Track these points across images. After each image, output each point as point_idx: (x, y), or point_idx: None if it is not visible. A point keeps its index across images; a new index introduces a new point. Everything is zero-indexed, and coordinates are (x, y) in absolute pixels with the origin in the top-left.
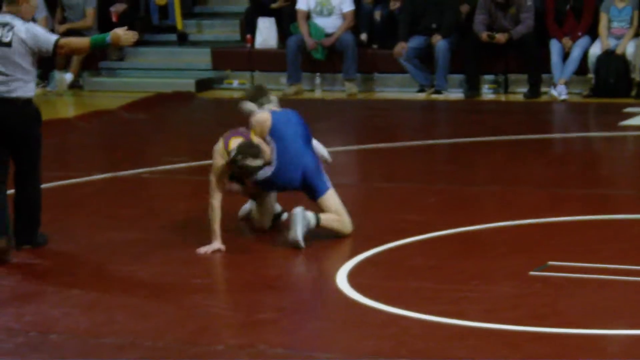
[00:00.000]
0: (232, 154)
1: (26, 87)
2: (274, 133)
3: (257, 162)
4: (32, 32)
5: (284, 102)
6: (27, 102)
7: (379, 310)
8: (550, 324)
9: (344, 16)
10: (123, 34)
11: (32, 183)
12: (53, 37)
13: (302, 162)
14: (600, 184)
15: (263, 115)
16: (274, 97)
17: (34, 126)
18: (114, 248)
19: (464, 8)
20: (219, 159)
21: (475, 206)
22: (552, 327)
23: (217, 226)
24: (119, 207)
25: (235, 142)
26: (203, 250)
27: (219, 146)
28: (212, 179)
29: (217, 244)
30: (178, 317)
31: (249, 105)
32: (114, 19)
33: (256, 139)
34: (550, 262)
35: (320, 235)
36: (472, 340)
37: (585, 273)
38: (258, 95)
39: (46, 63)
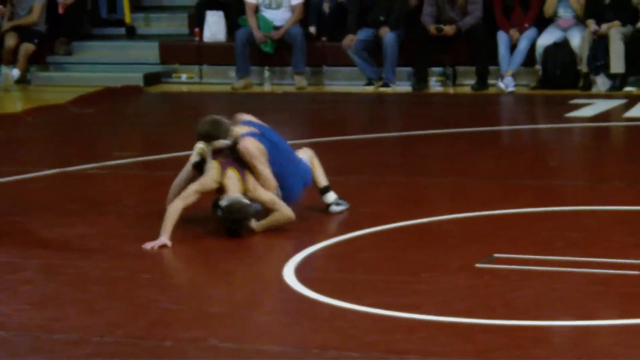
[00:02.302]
0: (223, 206)
1: None
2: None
3: (242, 227)
4: None
5: (233, 95)
6: None
7: (329, 303)
8: (500, 315)
9: (292, 9)
10: None
11: None
12: None
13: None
14: (549, 176)
15: (248, 142)
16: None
17: None
18: (65, 243)
19: (413, 1)
20: (209, 182)
21: (426, 198)
22: (502, 319)
23: (171, 224)
24: (69, 202)
25: (231, 179)
26: (150, 245)
27: (215, 170)
28: (195, 188)
29: (164, 239)
30: (129, 312)
31: (220, 143)
32: (60, 11)
33: (251, 184)
34: (496, 254)
35: (269, 229)
36: (424, 332)
37: (532, 265)
38: (220, 129)
39: None
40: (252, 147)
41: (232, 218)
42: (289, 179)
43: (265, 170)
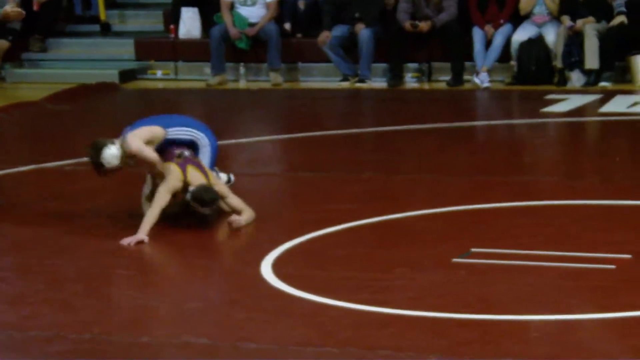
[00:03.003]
0: (189, 197)
1: None
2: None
3: (211, 209)
4: None
5: (208, 92)
6: None
7: (305, 299)
8: (475, 310)
9: (267, 6)
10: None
11: None
12: None
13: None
14: (524, 171)
15: (130, 139)
16: None
17: None
18: (39, 241)
19: (390, 1)
20: (175, 182)
21: (401, 194)
22: (477, 314)
23: (149, 225)
24: (44, 200)
25: (192, 174)
26: (127, 241)
27: (175, 171)
28: (164, 193)
29: (141, 235)
30: (104, 309)
31: (108, 152)
32: (35, 7)
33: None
34: (474, 249)
35: (244, 226)
36: (398, 327)
37: (508, 259)
38: (98, 144)
39: None
40: (134, 143)
41: (202, 199)
42: (203, 132)
43: (151, 155)
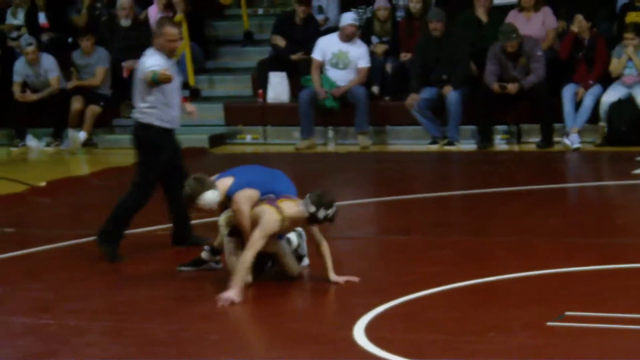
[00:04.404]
0: (312, 210)
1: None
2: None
3: (333, 213)
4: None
5: (297, 156)
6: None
7: None
8: None
9: (358, 71)
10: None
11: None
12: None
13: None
14: (615, 233)
15: (246, 193)
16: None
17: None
18: (132, 306)
19: (473, 67)
20: (271, 223)
21: (491, 257)
22: None
23: (242, 277)
24: (135, 264)
25: (286, 205)
26: (221, 302)
27: (269, 210)
28: (259, 238)
29: (233, 294)
30: None
31: (209, 196)
32: (125, 74)
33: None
34: (567, 312)
35: (334, 288)
36: None
37: (602, 323)
38: (205, 184)
39: (59, 122)
40: (242, 206)
41: (321, 201)
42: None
43: (247, 223)
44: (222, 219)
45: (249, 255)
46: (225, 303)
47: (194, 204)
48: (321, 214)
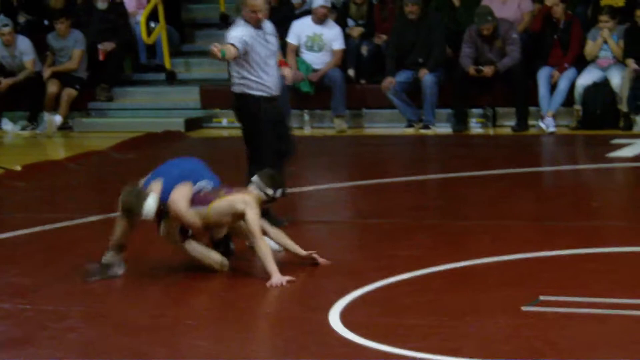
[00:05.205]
0: (270, 192)
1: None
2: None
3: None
4: None
5: None
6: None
7: (375, 349)
8: (546, 358)
9: (333, 53)
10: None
11: None
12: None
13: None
14: (590, 217)
15: (179, 194)
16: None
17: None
18: (109, 290)
19: (449, 51)
20: (258, 208)
21: (467, 241)
22: None
23: (272, 260)
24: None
25: (245, 192)
26: (275, 282)
27: (247, 196)
28: (258, 224)
29: (280, 277)
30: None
31: (150, 203)
32: (101, 57)
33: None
34: (542, 297)
35: (309, 272)
36: None
37: (577, 307)
38: (141, 194)
39: (35, 105)
40: (180, 206)
41: (275, 181)
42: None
43: (194, 221)
44: (163, 231)
45: (261, 243)
46: (279, 285)
47: (136, 216)
48: (278, 193)
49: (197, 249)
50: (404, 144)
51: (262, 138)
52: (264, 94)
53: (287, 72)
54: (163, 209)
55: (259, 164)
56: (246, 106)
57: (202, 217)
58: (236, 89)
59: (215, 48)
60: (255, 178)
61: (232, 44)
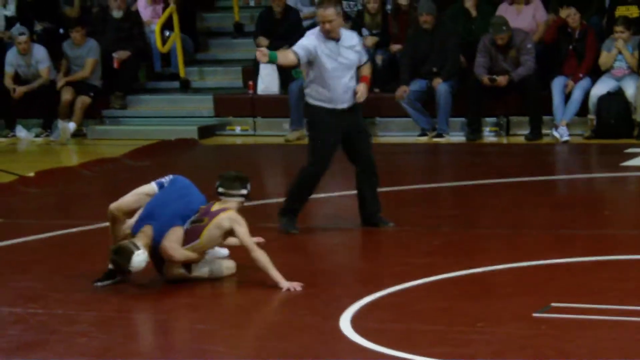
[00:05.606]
0: (245, 191)
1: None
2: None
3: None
4: None
5: (287, 147)
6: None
7: (386, 354)
8: None
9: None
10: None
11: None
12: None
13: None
14: (604, 225)
15: (170, 241)
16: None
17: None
18: (120, 295)
19: (463, 60)
20: (243, 219)
21: (479, 249)
22: None
23: (276, 270)
24: None
25: (232, 203)
26: (289, 286)
27: (235, 211)
28: (249, 238)
29: (289, 283)
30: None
31: (139, 258)
32: (115, 65)
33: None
34: (554, 304)
35: (322, 279)
36: None
37: (589, 314)
38: (126, 250)
39: (49, 113)
40: (177, 255)
41: (239, 177)
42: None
43: (193, 256)
44: (169, 276)
45: (259, 254)
46: (292, 289)
47: (128, 273)
48: (249, 188)
49: (205, 270)
50: (417, 153)
51: (320, 146)
52: (325, 105)
53: (360, 87)
54: (157, 256)
55: (309, 167)
56: (307, 114)
57: (196, 249)
58: (305, 96)
59: (260, 52)
60: (221, 190)
61: (294, 51)
